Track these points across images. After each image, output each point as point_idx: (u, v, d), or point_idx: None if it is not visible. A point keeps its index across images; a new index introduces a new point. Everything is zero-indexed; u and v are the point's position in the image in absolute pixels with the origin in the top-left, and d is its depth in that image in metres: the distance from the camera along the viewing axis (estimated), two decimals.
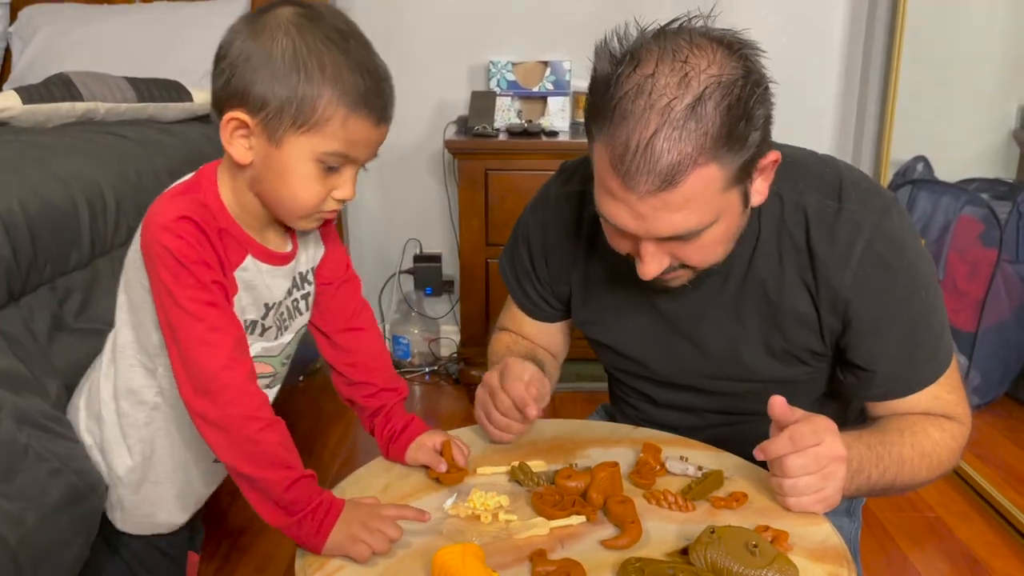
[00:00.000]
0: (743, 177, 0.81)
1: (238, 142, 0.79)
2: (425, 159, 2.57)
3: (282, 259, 0.88)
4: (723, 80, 0.76)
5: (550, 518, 0.82)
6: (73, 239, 1.06)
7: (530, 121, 2.39)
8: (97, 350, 1.05)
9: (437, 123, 2.50)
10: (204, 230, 0.78)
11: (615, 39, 0.82)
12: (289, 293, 0.90)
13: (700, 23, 0.82)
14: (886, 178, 2.41)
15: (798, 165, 0.94)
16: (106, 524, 0.97)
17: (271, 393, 0.96)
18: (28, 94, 1.53)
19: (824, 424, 0.82)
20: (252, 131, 0.78)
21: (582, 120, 2.45)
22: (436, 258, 2.58)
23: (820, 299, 0.93)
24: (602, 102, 0.79)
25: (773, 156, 0.84)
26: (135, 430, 0.92)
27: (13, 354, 0.93)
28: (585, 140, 2.31)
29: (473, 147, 2.20)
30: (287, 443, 0.80)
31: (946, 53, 2.46)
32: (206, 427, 0.79)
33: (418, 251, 2.60)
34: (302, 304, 0.93)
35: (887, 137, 2.39)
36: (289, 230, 0.89)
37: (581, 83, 2.45)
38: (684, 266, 0.87)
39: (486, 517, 0.83)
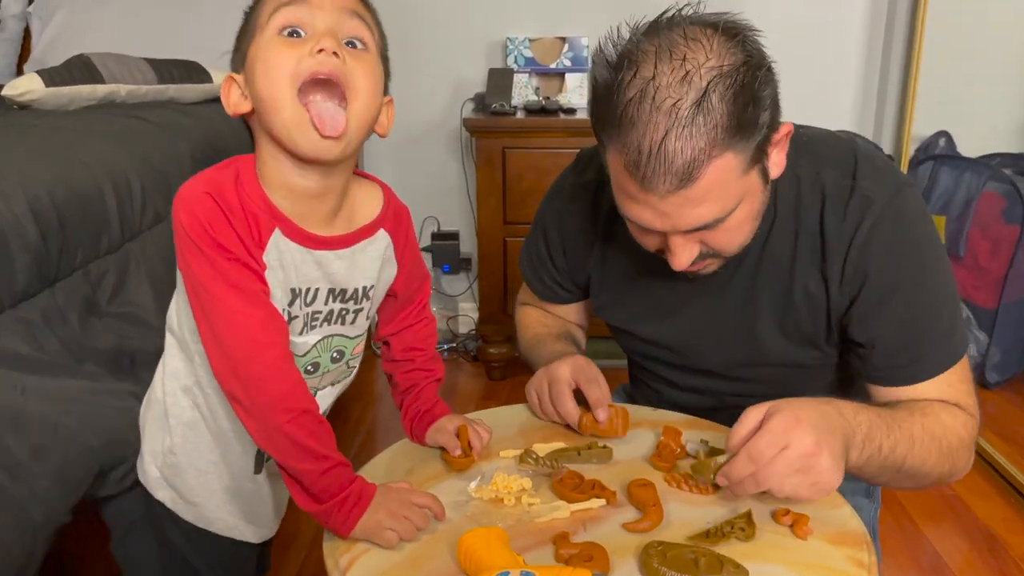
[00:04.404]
0: (759, 157, 0.82)
1: (235, 100, 0.78)
2: (442, 137, 2.56)
3: (318, 243, 0.81)
4: (724, 70, 0.76)
5: (571, 501, 0.84)
6: (102, 224, 1.08)
7: (548, 98, 2.37)
8: (130, 333, 1.07)
9: (454, 100, 2.49)
10: (223, 206, 0.75)
11: (608, 43, 0.81)
12: (331, 296, 0.85)
13: (690, 10, 0.81)
14: (907, 153, 2.38)
15: (814, 143, 0.94)
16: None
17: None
18: (50, 77, 1.54)
19: (783, 425, 0.76)
20: (239, 81, 0.78)
21: None
22: (454, 236, 2.58)
23: (829, 278, 0.92)
24: (608, 110, 0.79)
25: (786, 129, 0.84)
26: (177, 411, 0.90)
27: (51, 337, 0.95)
28: None
29: (490, 125, 2.20)
30: (317, 432, 0.78)
31: (970, 27, 2.42)
32: (239, 408, 0.78)
33: (435, 229, 2.61)
34: (350, 317, 0.88)
35: (909, 112, 2.36)
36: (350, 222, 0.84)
37: None
38: (714, 254, 0.88)
39: (509, 500, 0.84)
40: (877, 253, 0.89)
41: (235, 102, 0.79)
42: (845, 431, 0.80)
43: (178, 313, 0.88)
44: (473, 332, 2.60)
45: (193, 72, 1.68)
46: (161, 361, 0.93)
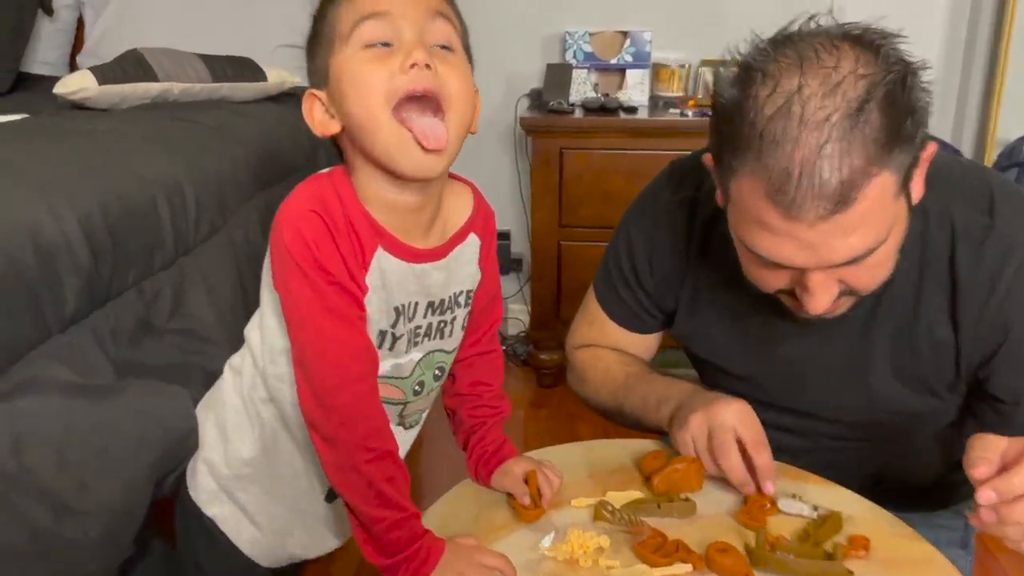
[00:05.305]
0: (909, 177, 0.74)
1: (323, 120, 0.75)
2: (495, 133, 2.49)
3: (418, 256, 0.78)
4: (879, 78, 0.68)
5: (653, 565, 0.77)
6: (156, 240, 1.03)
7: (607, 95, 2.28)
8: (192, 349, 1.03)
9: (509, 96, 2.41)
10: (329, 225, 0.72)
11: (729, 60, 0.75)
12: (431, 308, 0.82)
13: (822, 21, 0.74)
14: (990, 159, 2.24)
15: (943, 173, 0.84)
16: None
17: (408, 435, 0.90)
18: (103, 74, 1.50)
19: None
20: (323, 100, 0.75)
21: (662, 94, 2.36)
22: (504, 235, 2.52)
23: (961, 325, 0.84)
24: (740, 131, 0.71)
25: (931, 148, 0.76)
26: (260, 422, 0.86)
27: (102, 360, 0.90)
28: (664, 117, 2.22)
29: (548, 124, 2.12)
30: (396, 477, 0.75)
31: None
32: (318, 440, 0.75)
33: None
34: (447, 328, 0.85)
35: (993, 114, 2.22)
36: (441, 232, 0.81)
37: (661, 54, 2.33)
38: (850, 292, 0.79)
39: (585, 561, 0.78)
40: (1022, 303, 0.81)
41: (321, 122, 0.75)
42: None
43: (261, 331, 0.83)
44: (523, 334, 2.54)
45: (247, 70, 1.63)
46: (233, 368, 0.89)
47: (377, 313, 0.78)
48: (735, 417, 0.85)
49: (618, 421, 1.05)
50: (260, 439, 0.86)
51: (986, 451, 0.70)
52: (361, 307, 0.75)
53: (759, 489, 0.84)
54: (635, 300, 1.04)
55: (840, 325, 0.88)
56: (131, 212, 0.98)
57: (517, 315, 2.60)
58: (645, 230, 1.01)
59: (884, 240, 0.73)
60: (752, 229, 0.75)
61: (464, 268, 0.84)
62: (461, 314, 0.86)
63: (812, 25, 0.73)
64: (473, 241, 0.84)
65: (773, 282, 0.80)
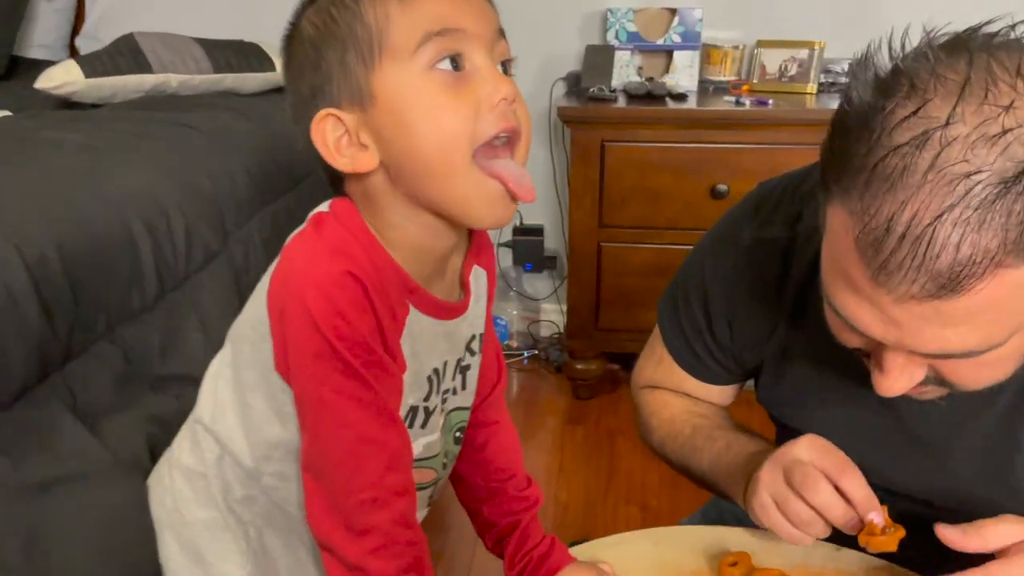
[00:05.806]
0: None
1: (348, 150, 0.58)
2: None
3: (448, 311, 0.66)
4: None
5: None
6: (132, 277, 0.86)
7: (651, 79, 2.07)
8: (190, 398, 0.86)
9: (543, 80, 2.20)
10: (370, 290, 0.57)
11: (883, 47, 0.55)
12: (457, 366, 0.70)
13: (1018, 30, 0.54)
14: None
15: None
16: None
17: (422, 515, 0.75)
18: (91, 66, 1.34)
19: None
20: (347, 123, 0.57)
21: (712, 78, 2.15)
22: (538, 231, 2.33)
23: None
24: (856, 149, 0.52)
25: None
26: (242, 533, 0.70)
27: (77, 426, 0.74)
28: (718, 106, 1.95)
29: (588, 115, 1.91)
30: None
31: None
32: (334, 566, 0.61)
33: (518, 222, 2.35)
34: (459, 379, 0.71)
35: None
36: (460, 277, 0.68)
37: (713, 34, 2.11)
38: (940, 382, 0.61)
39: None
40: None
41: (351, 155, 0.58)
42: None
43: (243, 420, 0.66)
44: (556, 336, 2.36)
45: (252, 58, 1.45)
46: (189, 472, 0.71)
47: (408, 387, 0.64)
48: (808, 448, 0.69)
49: (688, 478, 0.88)
50: (249, 550, 0.70)
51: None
52: (401, 391, 0.62)
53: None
54: (707, 351, 0.86)
55: (978, 419, 0.71)
56: (97, 247, 0.82)
57: (551, 316, 2.43)
58: (722, 275, 0.82)
59: (999, 344, 0.55)
60: (835, 277, 0.57)
61: (475, 309, 0.72)
62: (475, 362, 0.74)
63: (1012, 35, 0.53)
64: (480, 274, 0.72)
65: (848, 340, 0.62)
